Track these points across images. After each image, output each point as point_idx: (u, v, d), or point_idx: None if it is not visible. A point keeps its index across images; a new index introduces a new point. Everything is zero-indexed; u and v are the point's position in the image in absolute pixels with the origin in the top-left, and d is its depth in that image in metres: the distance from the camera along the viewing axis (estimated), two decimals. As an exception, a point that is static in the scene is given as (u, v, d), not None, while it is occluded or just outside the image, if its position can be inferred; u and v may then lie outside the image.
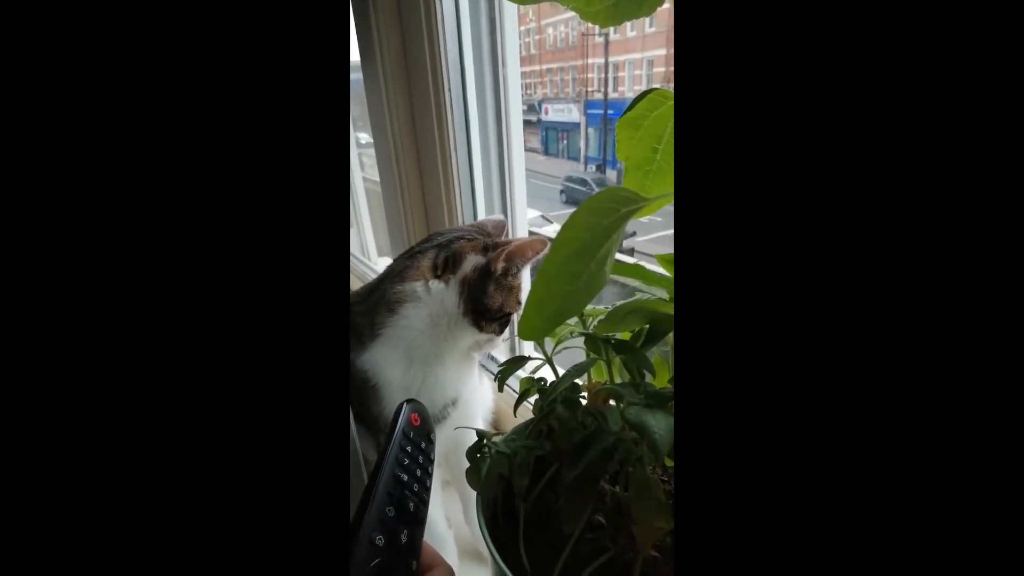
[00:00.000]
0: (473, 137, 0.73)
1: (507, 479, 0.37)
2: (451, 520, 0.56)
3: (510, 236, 0.62)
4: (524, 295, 0.54)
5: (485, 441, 0.37)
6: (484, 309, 0.47)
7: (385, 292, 0.48)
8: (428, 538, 0.54)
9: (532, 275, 0.53)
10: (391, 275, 0.49)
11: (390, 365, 0.47)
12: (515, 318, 0.58)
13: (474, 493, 0.56)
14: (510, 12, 0.71)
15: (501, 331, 0.50)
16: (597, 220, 0.26)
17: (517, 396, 0.43)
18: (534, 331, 0.31)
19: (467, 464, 0.57)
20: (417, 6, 0.67)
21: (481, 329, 0.48)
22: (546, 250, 0.48)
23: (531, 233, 0.80)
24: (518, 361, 0.41)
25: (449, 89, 0.68)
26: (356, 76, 0.84)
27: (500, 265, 0.46)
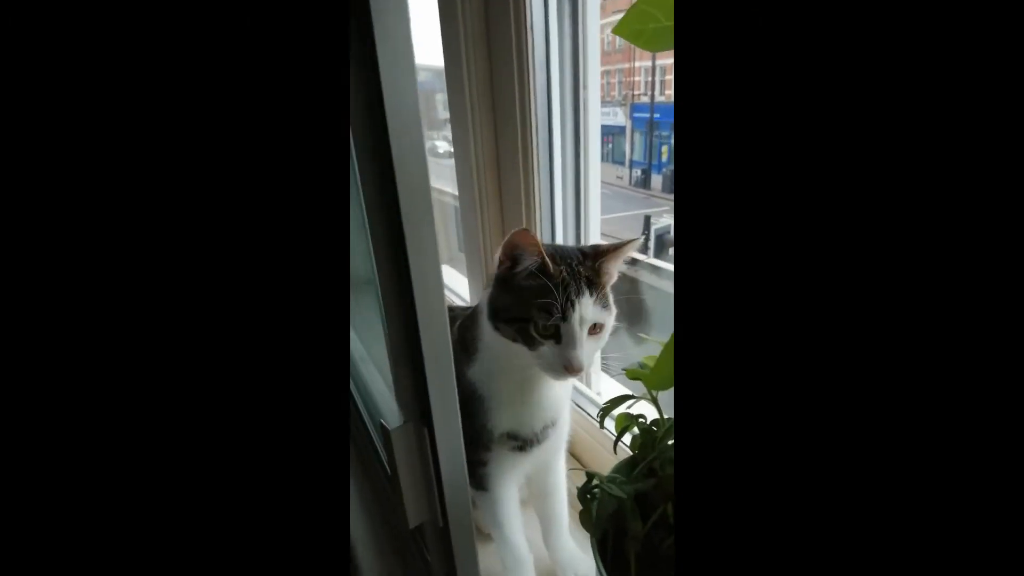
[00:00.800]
0: (556, 157, 0.73)
1: (614, 518, 0.37)
2: (531, 542, 0.56)
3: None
4: (540, 301, 0.50)
5: (596, 481, 0.37)
6: (494, 309, 0.46)
7: (480, 306, 0.49)
8: (509, 562, 0.54)
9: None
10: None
11: (491, 379, 0.49)
12: (598, 356, 0.57)
13: (555, 514, 0.57)
14: (593, 33, 0.71)
15: (523, 341, 0.45)
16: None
17: (616, 433, 0.43)
18: (664, 380, 0.30)
19: (550, 485, 0.57)
20: (508, 32, 0.68)
21: (497, 330, 0.46)
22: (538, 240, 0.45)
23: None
24: (622, 399, 0.41)
25: (535, 114, 0.69)
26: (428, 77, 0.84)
27: (497, 256, 0.46)
